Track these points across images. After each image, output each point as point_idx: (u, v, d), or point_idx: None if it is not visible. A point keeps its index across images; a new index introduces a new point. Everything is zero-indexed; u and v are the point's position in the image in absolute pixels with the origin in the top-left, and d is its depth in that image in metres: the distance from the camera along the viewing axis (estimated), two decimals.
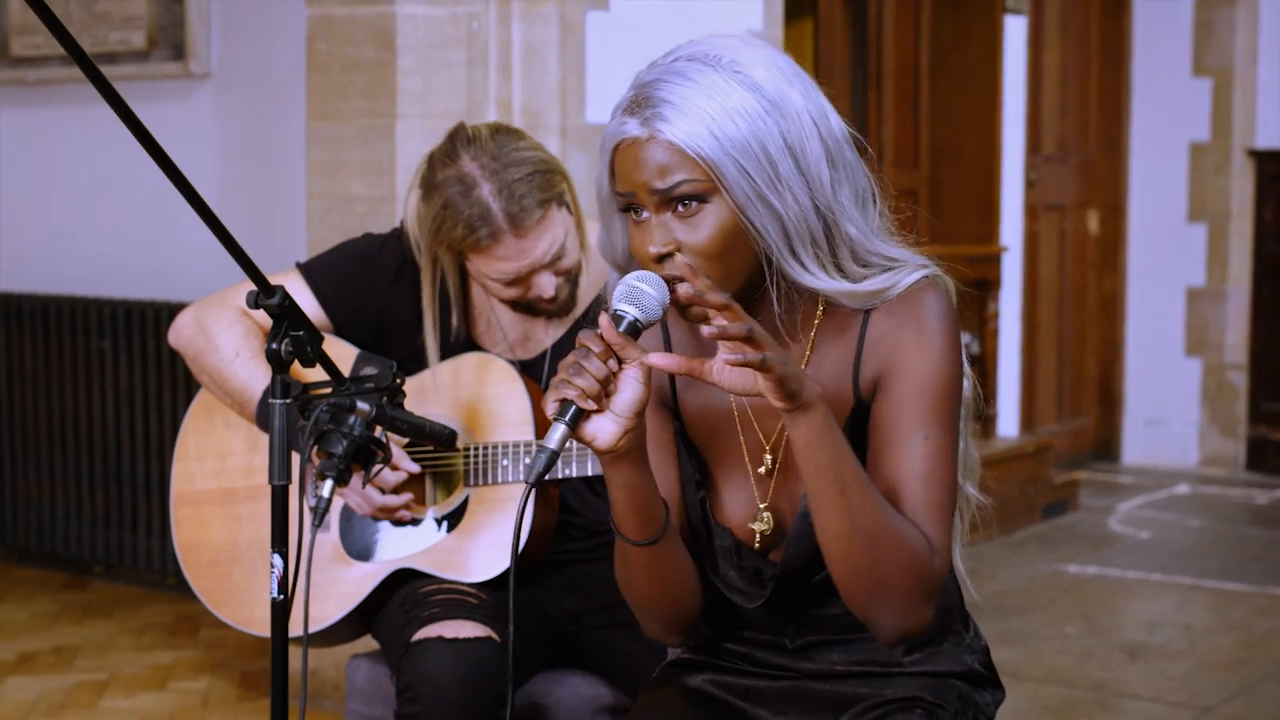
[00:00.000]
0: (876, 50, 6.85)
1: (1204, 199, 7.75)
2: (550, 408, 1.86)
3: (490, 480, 2.84)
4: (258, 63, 5.14)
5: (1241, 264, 7.76)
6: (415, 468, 2.82)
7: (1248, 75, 7.70)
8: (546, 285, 2.85)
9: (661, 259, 1.94)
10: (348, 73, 4.23)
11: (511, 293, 2.87)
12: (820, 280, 1.97)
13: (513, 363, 2.93)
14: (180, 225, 5.06)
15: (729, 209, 1.93)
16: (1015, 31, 7.06)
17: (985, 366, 6.66)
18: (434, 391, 2.91)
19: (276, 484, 2.25)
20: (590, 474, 2.82)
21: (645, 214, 1.95)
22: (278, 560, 2.25)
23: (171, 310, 5.13)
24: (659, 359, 1.84)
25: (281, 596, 2.26)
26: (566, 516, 2.94)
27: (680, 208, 1.93)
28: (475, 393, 2.89)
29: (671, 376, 2.13)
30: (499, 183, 2.77)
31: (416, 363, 2.93)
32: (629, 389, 1.88)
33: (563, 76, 4.28)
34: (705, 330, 1.81)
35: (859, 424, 2.04)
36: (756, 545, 2.11)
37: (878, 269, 2.01)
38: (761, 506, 2.10)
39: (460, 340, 2.96)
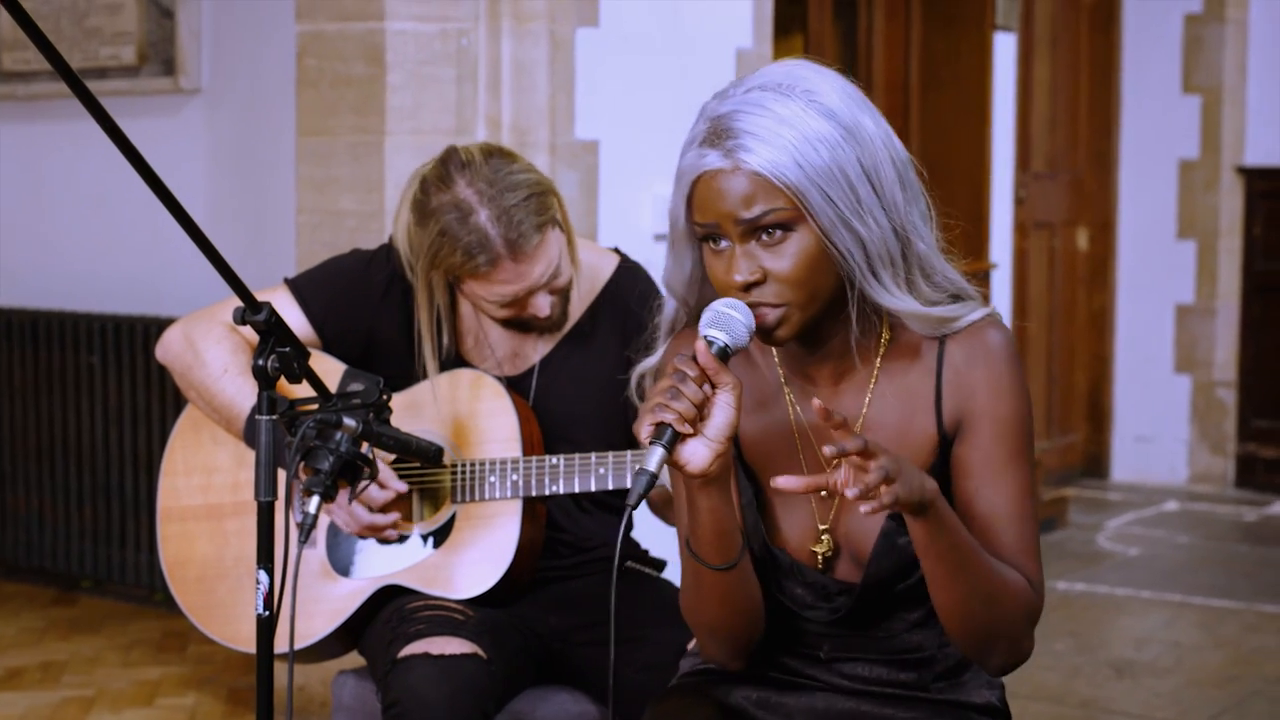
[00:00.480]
0: (866, 66, 6.86)
1: (1193, 216, 7.76)
2: (645, 431, 1.89)
3: (477, 497, 2.84)
4: (248, 78, 5.14)
5: (1230, 281, 7.77)
6: (403, 486, 2.82)
7: (1237, 93, 7.71)
8: (542, 305, 2.85)
9: (749, 287, 1.97)
10: (337, 89, 4.23)
11: (506, 313, 2.87)
12: (900, 300, 2.01)
13: (500, 379, 2.93)
14: (169, 240, 5.06)
15: (814, 235, 1.96)
16: (1005, 48, 7.07)
17: None
18: (421, 407, 2.91)
19: (263, 500, 2.26)
20: (577, 490, 2.82)
21: (726, 243, 1.98)
22: (263, 577, 2.25)
23: (160, 325, 5.12)
24: (787, 482, 1.89)
25: (267, 613, 2.26)
26: (554, 533, 2.94)
27: (765, 236, 1.96)
28: (463, 409, 2.89)
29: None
30: (496, 209, 2.77)
31: (404, 379, 2.93)
32: (721, 413, 1.91)
33: (552, 93, 4.29)
34: (849, 493, 1.85)
35: (944, 454, 2.08)
36: (819, 566, 2.13)
37: (944, 292, 2.06)
38: (822, 529, 2.13)
39: (449, 357, 2.96)
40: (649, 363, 2.16)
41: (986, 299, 2.13)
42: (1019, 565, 2.04)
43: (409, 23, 4.16)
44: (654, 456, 1.88)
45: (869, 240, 1.97)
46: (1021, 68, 7.32)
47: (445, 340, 2.94)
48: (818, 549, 2.13)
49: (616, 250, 3.09)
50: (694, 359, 1.91)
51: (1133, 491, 7.68)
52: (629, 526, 2.79)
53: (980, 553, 1.98)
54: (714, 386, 1.91)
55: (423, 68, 4.17)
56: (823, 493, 2.11)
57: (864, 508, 1.85)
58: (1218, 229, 7.71)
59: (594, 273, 3.02)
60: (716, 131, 1.97)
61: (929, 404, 2.08)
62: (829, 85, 1.99)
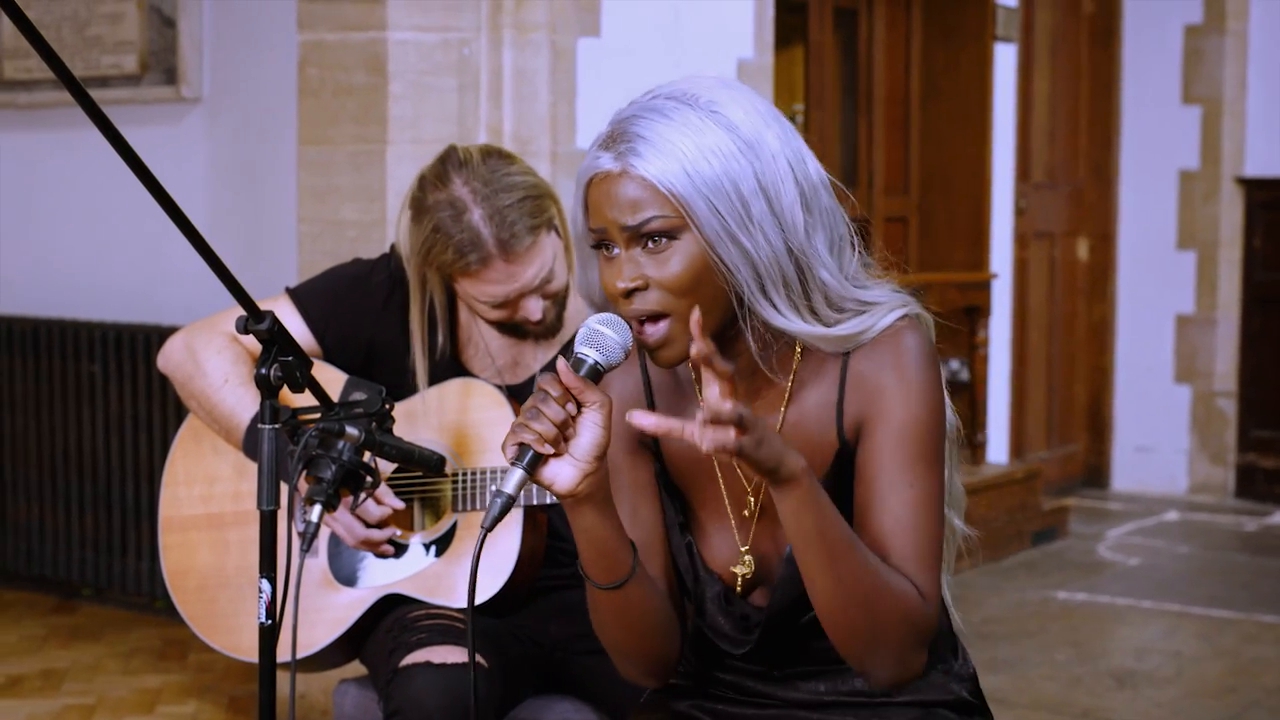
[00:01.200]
0: (867, 77, 6.87)
1: (1193, 227, 7.77)
2: (509, 451, 1.86)
3: (478, 505, 2.85)
4: (249, 87, 5.15)
5: (1230, 291, 7.77)
6: (399, 504, 2.82)
7: (1237, 104, 7.72)
8: (534, 309, 2.86)
9: (630, 294, 1.94)
10: (339, 98, 4.24)
11: (498, 314, 2.87)
12: (792, 322, 1.96)
13: (501, 388, 2.94)
14: (171, 249, 5.06)
15: (699, 246, 1.92)
16: (1005, 59, 7.09)
17: (975, 393, 6.67)
18: (422, 416, 2.91)
19: (265, 509, 2.26)
20: None
21: (616, 250, 1.96)
22: (266, 586, 2.25)
23: (161, 334, 5.13)
24: (641, 417, 1.82)
25: (269, 622, 2.26)
26: (555, 542, 2.94)
27: (650, 244, 1.93)
28: (464, 418, 2.90)
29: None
30: (490, 208, 2.78)
31: (405, 388, 2.94)
32: (588, 433, 1.88)
33: (553, 103, 4.30)
34: (708, 398, 1.79)
35: (844, 467, 2.04)
36: (739, 588, 2.10)
37: (851, 314, 2.00)
38: (743, 550, 2.10)
39: (445, 359, 2.96)
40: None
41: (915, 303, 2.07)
42: (909, 574, 1.97)
43: (410, 32, 4.17)
44: (512, 478, 1.85)
45: (757, 258, 1.93)
46: (1022, 78, 7.33)
47: (441, 339, 2.94)
48: (739, 570, 2.09)
49: None
50: (557, 378, 1.88)
51: (1133, 501, 7.69)
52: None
53: (857, 548, 1.91)
54: (580, 405, 1.88)
55: (424, 77, 4.18)
56: (744, 512, 2.09)
57: (706, 440, 1.79)
58: (1218, 239, 7.72)
59: None
60: (614, 135, 1.95)
61: (830, 415, 2.03)
62: (735, 99, 1.96)
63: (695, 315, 1.83)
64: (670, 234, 1.93)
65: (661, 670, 2.11)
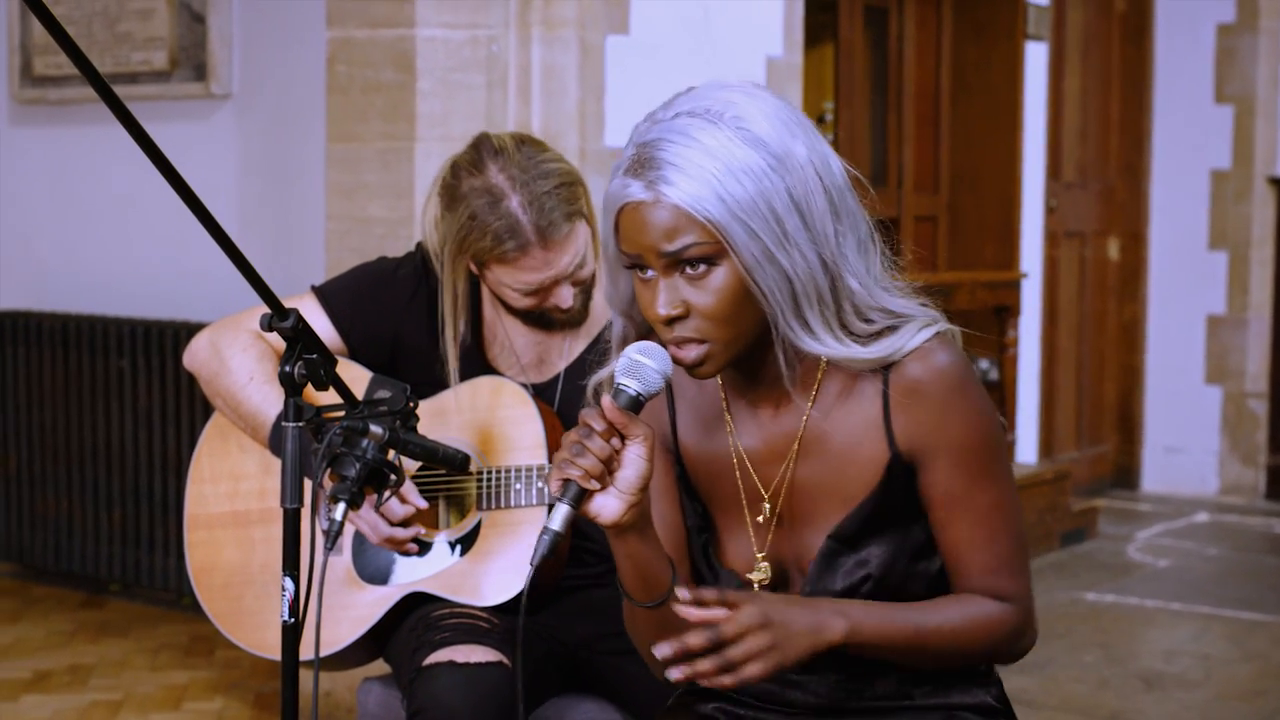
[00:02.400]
0: (897, 74, 6.85)
1: (1225, 226, 7.74)
2: (553, 486, 1.87)
3: (503, 504, 2.84)
4: (278, 84, 5.15)
5: (1262, 292, 7.74)
6: (423, 503, 2.81)
7: (1269, 103, 7.68)
8: (566, 296, 2.85)
9: (671, 321, 1.94)
10: (367, 95, 4.24)
11: (528, 302, 2.86)
12: (826, 345, 1.95)
13: (526, 386, 2.93)
14: (199, 245, 5.05)
15: (737, 271, 1.91)
16: (1036, 57, 7.06)
17: (1004, 393, 6.64)
18: (447, 415, 2.90)
19: (288, 507, 2.25)
20: None
21: (651, 273, 1.94)
22: (289, 583, 2.25)
23: (190, 330, 5.13)
24: (685, 610, 1.88)
25: (293, 620, 2.26)
26: (579, 541, 2.94)
27: (689, 269, 1.92)
28: (488, 416, 2.89)
29: (673, 421, 2.13)
30: (528, 195, 2.77)
31: (429, 386, 2.93)
32: (632, 466, 1.88)
33: (581, 99, 4.29)
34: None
35: (897, 477, 2.03)
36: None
37: (880, 325, 1.99)
38: (759, 556, 2.10)
39: (468, 349, 2.95)
40: (602, 375, 2.09)
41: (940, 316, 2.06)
42: (990, 587, 2.01)
43: (439, 29, 4.16)
44: (559, 515, 1.86)
45: (794, 275, 1.91)
46: (1053, 77, 7.30)
47: (461, 326, 2.93)
48: (754, 577, 2.09)
49: None
50: (602, 413, 1.88)
51: (1163, 503, 7.65)
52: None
53: (927, 629, 1.98)
54: (624, 439, 1.88)
55: (452, 74, 4.17)
56: (759, 518, 2.09)
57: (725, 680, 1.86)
58: (1249, 239, 7.68)
59: None
60: (640, 160, 1.92)
61: (877, 427, 2.02)
62: (760, 110, 1.93)
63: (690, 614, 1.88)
64: (709, 259, 1.91)
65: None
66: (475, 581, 2.84)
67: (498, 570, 2.84)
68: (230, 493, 3.02)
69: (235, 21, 5.26)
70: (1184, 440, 7.87)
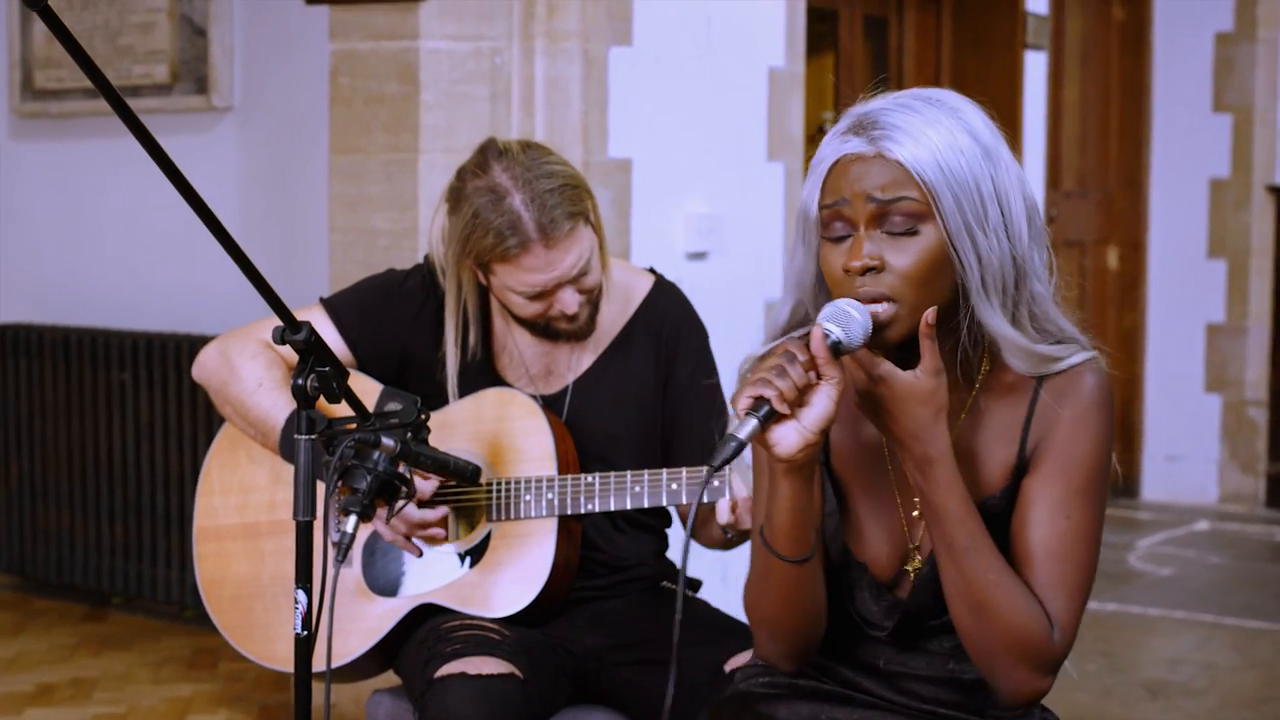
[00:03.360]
0: (897, 85, 6.79)
1: (1224, 235, 7.74)
2: (743, 402, 1.90)
3: (513, 515, 2.84)
4: (280, 96, 5.15)
5: (1262, 300, 7.74)
6: (438, 478, 2.80)
7: (1268, 111, 7.69)
8: (570, 301, 2.85)
9: (865, 272, 1.97)
10: (370, 107, 4.24)
11: (534, 309, 2.85)
12: (1003, 326, 2.01)
13: (535, 397, 2.93)
14: (201, 257, 5.07)
15: (939, 237, 1.97)
16: (1035, 67, 7.06)
17: None
18: (457, 426, 2.90)
19: (300, 520, 2.25)
20: (613, 509, 2.82)
21: (848, 233, 2.00)
22: (301, 596, 2.25)
23: (193, 343, 5.13)
24: None
25: (305, 632, 2.26)
26: (589, 552, 2.94)
27: (893, 226, 1.98)
28: (498, 428, 2.89)
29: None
30: (531, 193, 2.77)
31: (438, 397, 2.93)
32: (821, 404, 1.93)
33: (585, 111, 4.29)
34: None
35: (1019, 486, 2.08)
36: (911, 581, 2.12)
37: (1050, 338, 2.06)
38: (912, 547, 2.13)
39: (478, 364, 2.95)
40: (758, 351, 2.13)
41: (1099, 351, 2.13)
42: (1045, 601, 2.02)
43: (442, 41, 4.17)
44: (747, 426, 1.88)
45: (987, 259, 1.98)
46: (1052, 86, 7.31)
47: (472, 341, 2.93)
48: (910, 567, 2.13)
49: (652, 270, 3.09)
50: (806, 344, 1.92)
51: (1163, 511, 7.65)
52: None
53: (987, 555, 1.98)
54: (819, 376, 1.92)
55: (456, 86, 4.17)
56: (915, 513, 2.12)
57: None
58: (1249, 248, 7.69)
59: (629, 292, 3.02)
60: (862, 124, 2.01)
61: (1016, 433, 2.08)
62: (975, 112, 2.04)
63: (930, 315, 1.94)
64: (916, 218, 1.97)
65: (803, 653, 2.14)
66: (485, 593, 2.84)
67: (507, 581, 2.84)
68: (240, 505, 3.01)
69: (236, 34, 5.26)
70: (1184, 449, 7.87)
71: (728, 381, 2.66)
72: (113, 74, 5.42)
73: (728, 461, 1.87)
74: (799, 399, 1.91)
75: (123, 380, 5.38)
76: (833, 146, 2.02)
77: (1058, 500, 2.03)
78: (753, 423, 1.88)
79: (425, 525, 2.82)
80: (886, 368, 1.96)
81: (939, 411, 1.96)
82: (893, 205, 1.97)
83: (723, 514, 2.71)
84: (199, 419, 5.19)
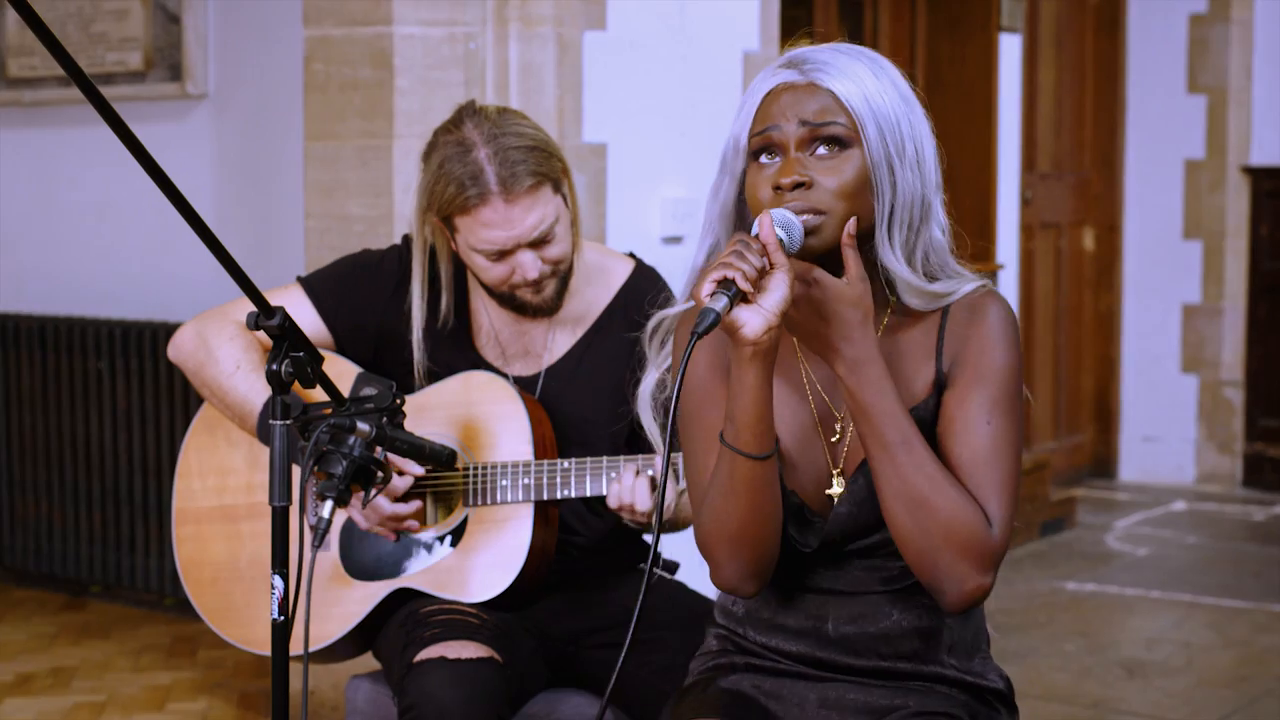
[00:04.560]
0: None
1: (1199, 216, 7.76)
2: (708, 287, 1.96)
3: (489, 500, 2.84)
4: (255, 83, 5.14)
5: (1237, 280, 7.76)
6: (420, 469, 2.80)
7: (1242, 92, 7.71)
8: (530, 266, 2.83)
9: (795, 188, 2.06)
10: (345, 93, 4.23)
11: (497, 272, 2.84)
12: (901, 267, 2.12)
13: (508, 378, 2.93)
14: (177, 245, 5.06)
15: (863, 163, 2.09)
16: (1010, 50, 7.07)
17: None
18: (434, 409, 2.90)
19: (276, 505, 2.25)
20: (589, 494, 2.82)
21: (776, 158, 2.10)
22: (278, 581, 2.25)
23: (168, 330, 5.12)
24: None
25: (282, 618, 2.26)
26: (566, 536, 2.94)
27: (822, 149, 2.09)
28: (474, 411, 2.89)
29: None
30: (496, 147, 2.78)
31: (412, 378, 2.93)
32: (778, 289, 1.99)
33: (559, 96, 4.29)
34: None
35: (937, 397, 2.16)
36: (831, 507, 2.18)
37: (942, 279, 2.17)
38: (835, 472, 2.19)
39: (449, 331, 2.94)
40: (670, 311, 2.28)
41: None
42: (980, 500, 2.08)
43: (416, 27, 4.16)
44: (719, 301, 1.95)
45: (900, 192, 2.10)
46: (1027, 69, 7.31)
47: (444, 306, 2.93)
48: (832, 491, 2.19)
49: (632, 255, 3.08)
50: (756, 235, 2.00)
51: (1140, 492, 7.68)
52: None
53: (920, 450, 2.05)
54: (770, 265, 1.99)
55: (430, 72, 4.17)
56: (833, 438, 2.19)
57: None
58: (1224, 229, 7.71)
59: (608, 276, 3.02)
60: (793, 61, 2.14)
61: (930, 352, 2.17)
62: (894, 68, 2.17)
63: (850, 226, 2.06)
64: (844, 142, 2.09)
65: (767, 564, 2.17)
66: (463, 577, 2.84)
67: (484, 566, 2.84)
68: (218, 487, 3.01)
69: (210, 21, 5.25)
70: (1161, 429, 7.89)
71: None
72: (86, 61, 5.41)
73: (707, 331, 1.93)
74: (758, 283, 1.98)
75: (99, 369, 5.37)
76: (765, 80, 2.14)
77: (978, 408, 2.11)
78: (724, 299, 1.95)
79: (399, 518, 2.82)
80: (819, 272, 2.04)
81: (866, 315, 2.05)
82: (823, 129, 2.09)
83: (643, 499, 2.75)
84: (176, 407, 5.18)
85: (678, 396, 1.97)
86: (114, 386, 5.34)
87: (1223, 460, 7.78)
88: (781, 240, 2.02)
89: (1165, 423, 7.85)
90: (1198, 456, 7.83)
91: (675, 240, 4.67)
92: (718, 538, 2.15)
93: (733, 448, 2.09)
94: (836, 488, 2.18)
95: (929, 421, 2.15)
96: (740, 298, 1.97)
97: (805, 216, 2.06)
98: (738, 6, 4.89)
